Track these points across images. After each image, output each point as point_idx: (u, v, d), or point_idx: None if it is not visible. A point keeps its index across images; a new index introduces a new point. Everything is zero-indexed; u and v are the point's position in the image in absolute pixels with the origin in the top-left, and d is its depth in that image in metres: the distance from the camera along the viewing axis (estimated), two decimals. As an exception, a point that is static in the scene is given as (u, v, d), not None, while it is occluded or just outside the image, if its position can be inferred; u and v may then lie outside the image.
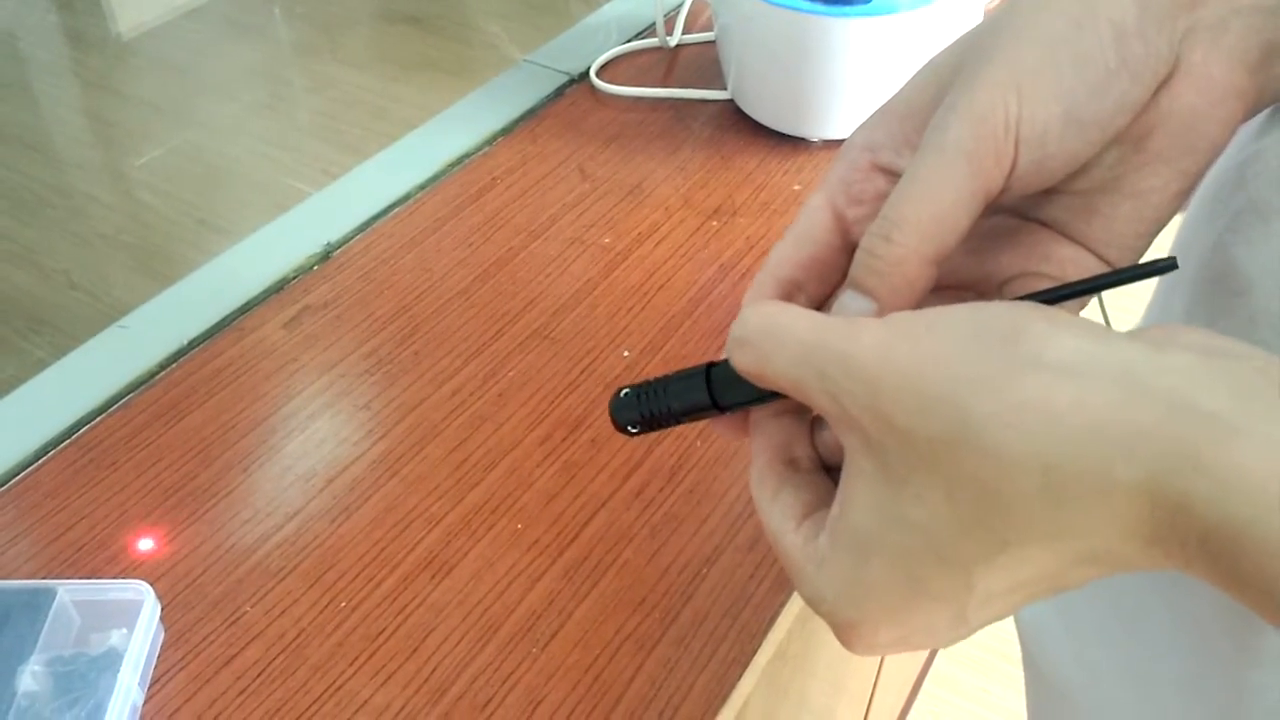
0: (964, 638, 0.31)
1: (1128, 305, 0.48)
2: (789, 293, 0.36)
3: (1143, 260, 0.33)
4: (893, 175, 0.35)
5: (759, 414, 0.35)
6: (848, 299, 0.32)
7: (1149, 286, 0.44)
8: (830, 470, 0.35)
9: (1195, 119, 0.32)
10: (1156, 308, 0.43)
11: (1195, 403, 0.24)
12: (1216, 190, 0.38)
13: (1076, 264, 0.33)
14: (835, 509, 0.31)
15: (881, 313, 0.32)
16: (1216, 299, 0.37)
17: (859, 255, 0.32)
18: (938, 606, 0.29)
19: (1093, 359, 0.26)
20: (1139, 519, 0.25)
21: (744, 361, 0.32)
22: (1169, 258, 0.31)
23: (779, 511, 0.33)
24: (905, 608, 0.30)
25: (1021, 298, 0.32)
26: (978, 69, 0.31)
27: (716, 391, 0.35)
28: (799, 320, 0.30)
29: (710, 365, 0.35)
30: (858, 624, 0.31)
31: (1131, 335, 0.26)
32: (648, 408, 0.36)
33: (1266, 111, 0.35)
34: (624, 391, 0.37)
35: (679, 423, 0.36)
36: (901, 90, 0.35)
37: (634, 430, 0.37)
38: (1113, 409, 0.25)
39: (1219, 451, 0.24)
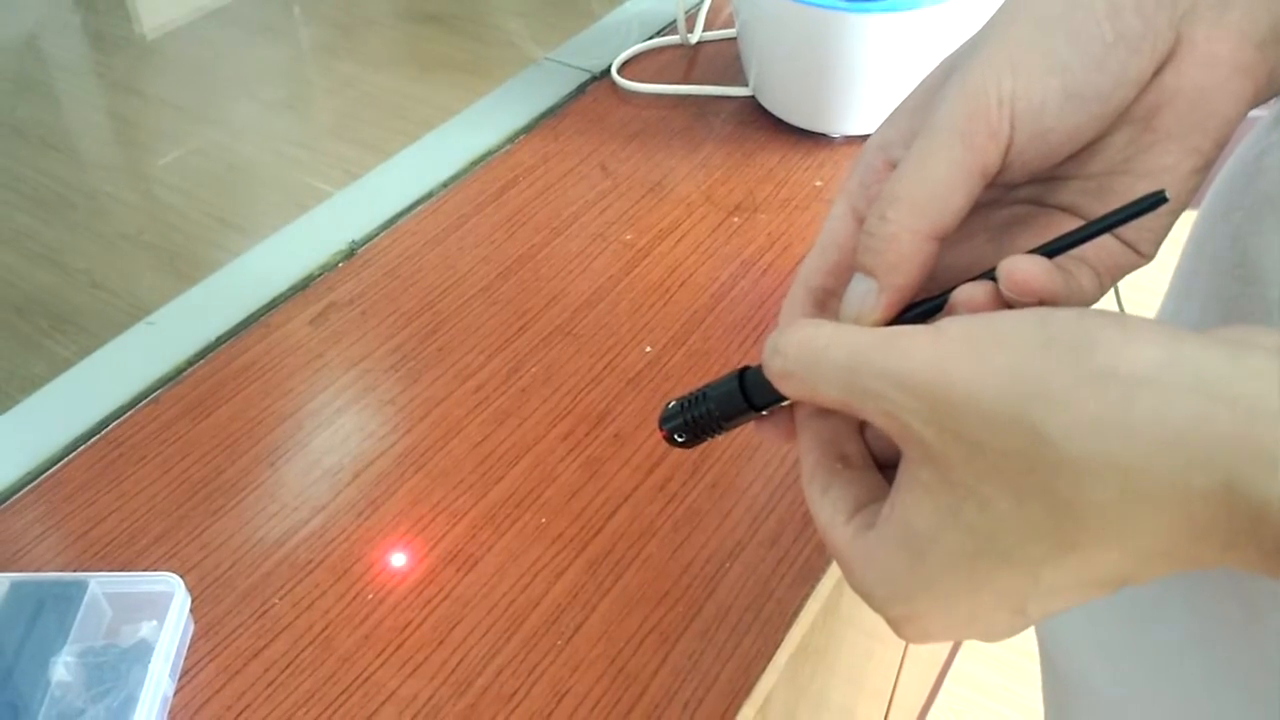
0: (1022, 629, 0.31)
1: (1143, 301, 0.48)
2: (822, 301, 0.36)
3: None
4: None
5: (804, 413, 0.35)
6: (853, 282, 0.33)
7: (1165, 277, 0.44)
8: (882, 466, 0.34)
9: (1202, 96, 0.32)
10: (1173, 298, 0.43)
11: (1273, 407, 0.24)
12: (1233, 183, 0.38)
13: (1097, 248, 0.34)
14: (887, 509, 0.31)
15: (882, 291, 0.32)
16: (1233, 289, 0.37)
17: (860, 238, 0.32)
18: (998, 602, 0.29)
19: (1168, 368, 0.25)
20: (1215, 523, 0.25)
21: (792, 391, 0.32)
22: (1158, 191, 0.31)
23: (829, 505, 0.33)
24: (963, 603, 0.30)
25: (1034, 250, 0.32)
26: (973, 51, 0.31)
27: (751, 394, 0.35)
28: (835, 345, 0.30)
29: (744, 370, 0.35)
30: (910, 617, 0.31)
31: (1207, 338, 0.26)
32: (691, 414, 0.37)
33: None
34: (671, 404, 0.38)
35: (723, 430, 0.37)
36: (914, 89, 0.35)
37: (681, 440, 0.38)
38: (1191, 419, 0.25)
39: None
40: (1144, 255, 0.33)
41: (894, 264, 0.32)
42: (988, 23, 0.32)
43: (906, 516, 0.30)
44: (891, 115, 0.35)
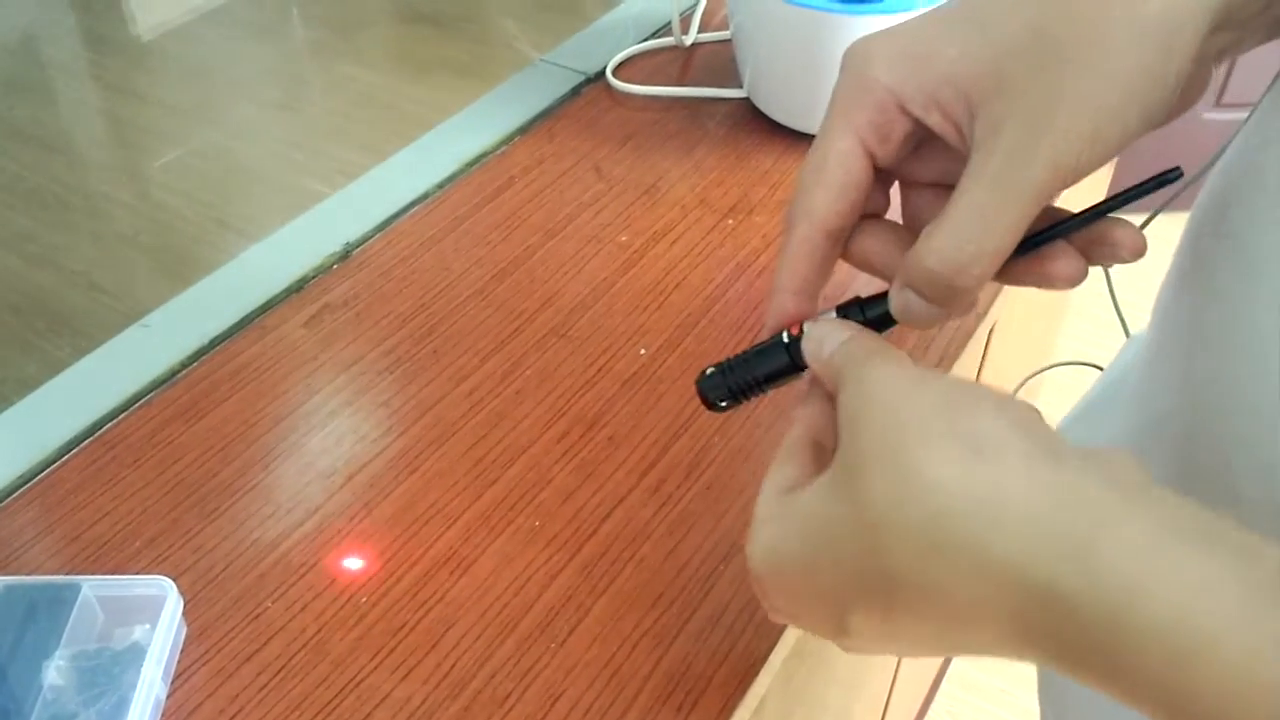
0: (851, 651, 0.34)
1: (1138, 302, 0.49)
2: (837, 239, 0.39)
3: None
4: (916, 122, 0.36)
5: (812, 391, 0.39)
6: (918, 304, 0.36)
7: (1160, 273, 0.44)
8: None
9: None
10: (1168, 294, 0.43)
11: (1083, 495, 0.28)
12: (1229, 179, 0.38)
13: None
14: (800, 493, 0.35)
15: (952, 315, 0.36)
16: (1229, 285, 0.37)
17: (937, 275, 0.34)
18: (821, 606, 0.33)
19: (1003, 445, 0.29)
20: (1006, 602, 0.28)
21: (831, 380, 0.36)
22: (1174, 168, 0.34)
23: (774, 477, 0.37)
24: (797, 589, 0.34)
25: (1061, 224, 0.36)
26: (1056, 104, 0.32)
27: (796, 356, 0.39)
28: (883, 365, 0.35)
29: (786, 337, 0.40)
30: (761, 580, 0.35)
31: (1057, 440, 0.30)
32: (734, 380, 0.41)
33: (1276, 101, 0.36)
34: (709, 370, 0.42)
35: (763, 391, 0.41)
36: (934, 40, 0.36)
37: (723, 405, 0.42)
38: (1004, 490, 0.28)
39: (1095, 539, 0.27)
40: None
41: (967, 304, 0.36)
42: (1062, 43, 0.33)
43: (802, 496, 0.34)
44: (903, 61, 0.36)
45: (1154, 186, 0.34)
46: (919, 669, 1.32)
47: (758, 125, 0.85)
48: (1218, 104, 1.96)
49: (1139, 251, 0.36)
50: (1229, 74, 1.89)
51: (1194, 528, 0.27)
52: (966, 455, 0.29)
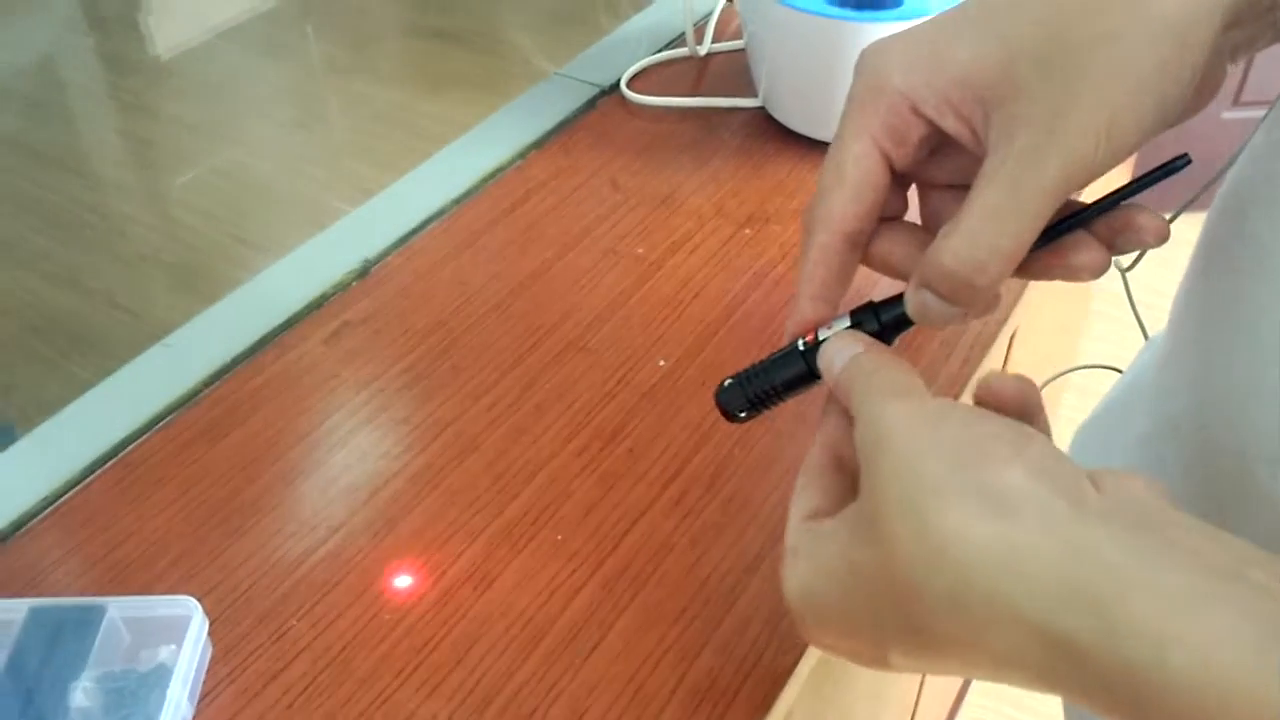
0: (896, 672, 0.35)
1: (1154, 302, 0.49)
2: (856, 244, 0.39)
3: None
4: (931, 125, 0.36)
5: (830, 404, 0.39)
6: (935, 304, 0.36)
7: (1176, 278, 0.44)
8: None
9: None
10: (1185, 298, 0.43)
11: (1102, 550, 0.28)
12: (1246, 181, 0.38)
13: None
14: (828, 524, 0.35)
15: (969, 315, 0.36)
16: (1246, 287, 0.37)
17: (953, 274, 0.34)
18: (860, 644, 0.34)
19: (1022, 500, 0.29)
20: (1032, 653, 0.28)
21: (845, 396, 0.36)
22: (1182, 155, 0.34)
23: (798, 502, 0.37)
24: (837, 629, 0.34)
25: (1076, 214, 0.36)
26: (1070, 102, 0.32)
27: (813, 365, 0.39)
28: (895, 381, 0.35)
29: (802, 345, 0.40)
30: (802, 618, 0.35)
31: (1073, 480, 0.30)
32: (753, 390, 0.41)
33: None
34: (727, 382, 0.42)
35: (781, 400, 0.41)
36: (948, 43, 0.36)
37: (743, 416, 0.42)
38: (1024, 548, 0.28)
39: (1115, 595, 0.27)
40: None
41: (988, 301, 0.36)
42: (1074, 46, 0.33)
43: (833, 536, 0.34)
44: (919, 63, 0.36)
45: (1163, 175, 0.34)
46: (946, 677, 1.31)
47: (773, 134, 0.85)
48: (1236, 103, 1.95)
49: (1163, 235, 0.36)
50: (1246, 73, 1.88)
51: (1213, 571, 0.27)
52: (985, 513, 0.29)
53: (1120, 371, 0.61)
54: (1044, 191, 0.33)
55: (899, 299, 0.38)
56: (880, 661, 0.33)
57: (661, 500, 0.59)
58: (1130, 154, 0.33)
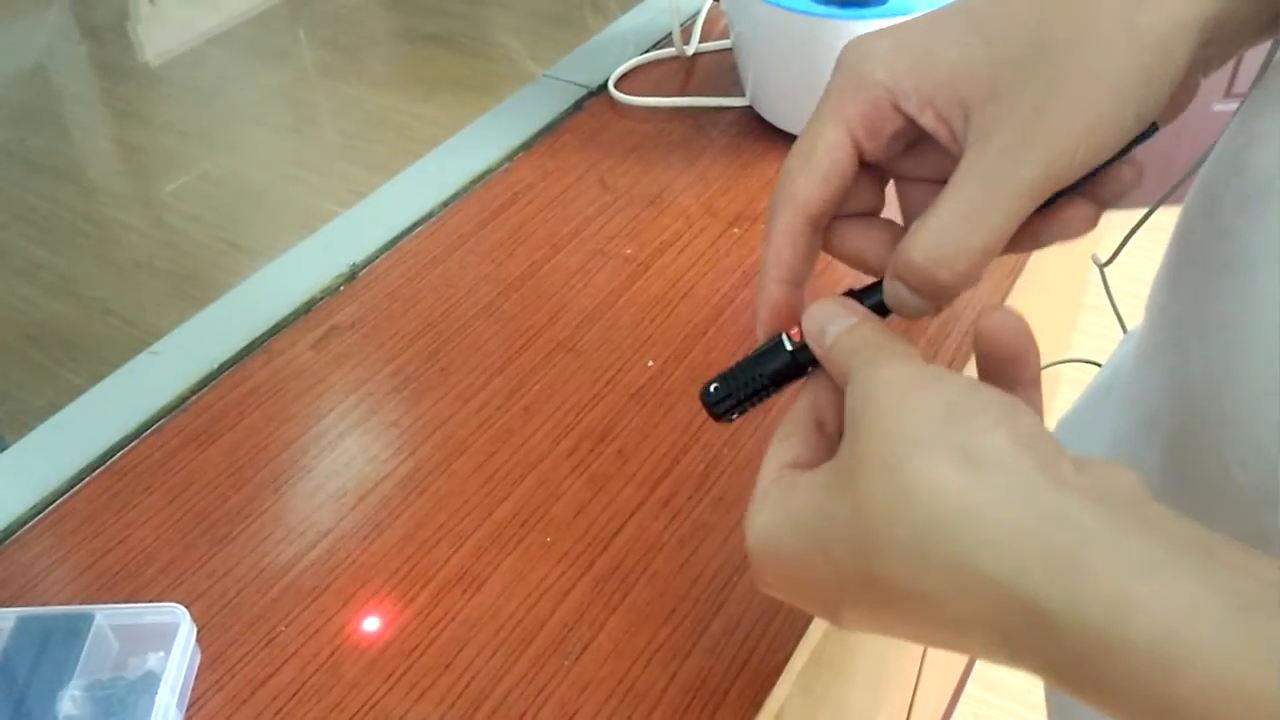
0: (848, 629, 0.35)
1: (1134, 289, 0.49)
2: (819, 226, 0.39)
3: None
4: (909, 121, 0.37)
5: (817, 373, 0.39)
6: (908, 295, 0.36)
7: (1154, 270, 0.44)
8: None
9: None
10: (1160, 292, 0.43)
11: (1072, 514, 0.28)
12: (1218, 176, 0.38)
13: None
14: (805, 476, 0.35)
15: (942, 306, 0.36)
16: (1219, 282, 0.37)
17: (921, 269, 0.34)
18: (813, 594, 0.34)
19: (998, 460, 0.29)
20: (990, 614, 0.28)
21: (839, 365, 0.36)
22: (1151, 124, 0.34)
23: (777, 450, 0.37)
24: (792, 579, 0.34)
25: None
26: (1052, 103, 0.33)
27: (801, 358, 0.39)
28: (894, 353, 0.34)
29: (788, 342, 0.39)
30: (760, 565, 0.35)
31: (1054, 455, 0.30)
32: (738, 389, 0.41)
33: (1262, 96, 0.36)
34: (713, 386, 0.41)
35: (769, 396, 0.40)
36: (934, 43, 0.36)
37: (731, 416, 0.41)
38: (995, 506, 0.28)
39: (1082, 559, 0.27)
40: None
41: (955, 296, 0.36)
42: (1055, 49, 0.33)
43: (805, 485, 0.34)
44: (900, 61, 0.36)
45: (1136, 143, 0.34)
46: (942, 671, 1.31)
47: (761, 133, 0.85)
48: (1227, 95, 1.95)
49: (1136, 180, 0.36)
50: (1237, 65, 1.88)
51: (1185, 546, 0.27)
52: (959, 468, 0.29)
53: (1100, 366, 0.61)
54: (1019, 191, 0.33)
55: (877, 286, 0.38)
56: (833, 615, 0.33)
57: (651, 501, 0.59)
58: (1108, 156, 0.34)
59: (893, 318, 0.38)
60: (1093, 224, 0.37)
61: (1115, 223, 0.48)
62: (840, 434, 0.37)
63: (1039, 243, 0.38)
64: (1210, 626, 0.25)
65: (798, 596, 0.35)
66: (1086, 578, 0.27)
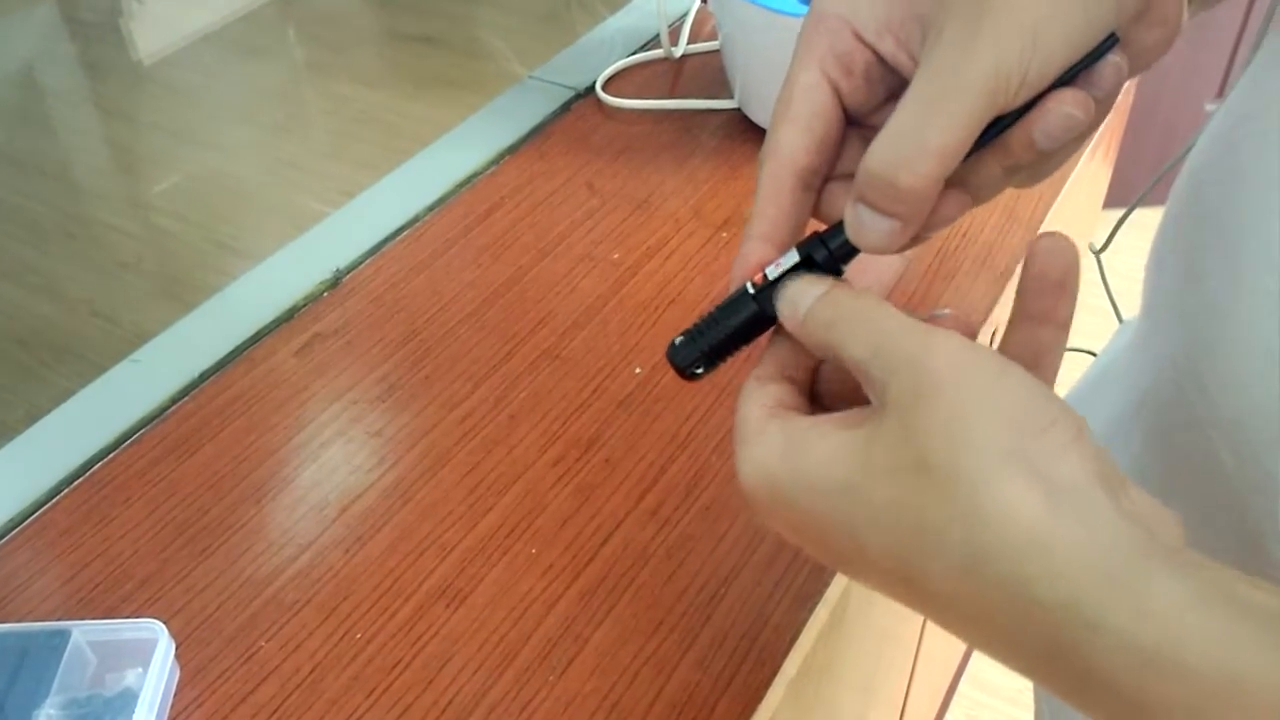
0: (858, 581, 0.34)
1: (1129, 273, 0.48)
2: (808, 183, 0.37)
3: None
4: (872, 51, 0.36)
5: (779, 336, 0.38)
6: (869, 217, 0.34)
7: (1144, 253, 0.44)
8: (813, 401, 0.38)
9: None
10: (1150, 277, 0.43)
11: (1140, 542, 0.27)
12: (1205, 161, 0.38)
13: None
14: (809, 425, 0.33)
15: (905, 230, 0.34)
16: (1206, 264, 0.37)
17: (879, 176, 0.33)
18: (828, 553, 0.33)
19: (1073, 488, 0.28)
20: (1044, 632, 0.28)
21: (819, 337, 0.35)
22: (1110, 34, 0.33)
23: (757, 393, 0.36)
24: (804, 532, 0.33)
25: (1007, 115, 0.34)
26: (998, 4, 0.32)
27: (766, 306, 0.37)
28: (887, 318, 0.33)
29: (751, 288, 0.38)
30: (758, 502, 0.34)
31: (1119, 482, 0.29)
32: (705, 343, 0.39)
33: (1252, 76, 0.36)
34: (678, 340, 0.40)
35: (737, 348, 0.39)
36: None
37: (699, 372, 0.40)
38: (1067, 544, 0.27)
39: (1148, 584, 0.27)
40: None
41: (921, 210, 0.34)
42: None
43: (823, 443, 0.32)
44: None
45: (1094, 58, 0.33)
46: (936, 671, 1.31)
47: (750, 135, 0.84)
48: (1220, 95, 1.95)
49: (1085, 106, 0.34)
50: (1229, 66, 1.88)
51: (1223, 592, 0.27)
52: (1033, 492, 0.28)
53: (1095, 355, 0.61)
54: (972, 87, 0.32)
55: (841, 225, 0.37)
56: (846, 572, 0.33)
57: (638, 510, 0.58)
58: (1059, 66, 0.32)
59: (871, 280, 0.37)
60: (1087, 115, 0.34)
61: (1109, 217, 0.48)
62: (808, 391, 0.37)
63: (992, 187, 0.36)
64: (1260, 655, 0.25)
65: (807, 546, 0.34)
66: (1150, 603, 0.26)
